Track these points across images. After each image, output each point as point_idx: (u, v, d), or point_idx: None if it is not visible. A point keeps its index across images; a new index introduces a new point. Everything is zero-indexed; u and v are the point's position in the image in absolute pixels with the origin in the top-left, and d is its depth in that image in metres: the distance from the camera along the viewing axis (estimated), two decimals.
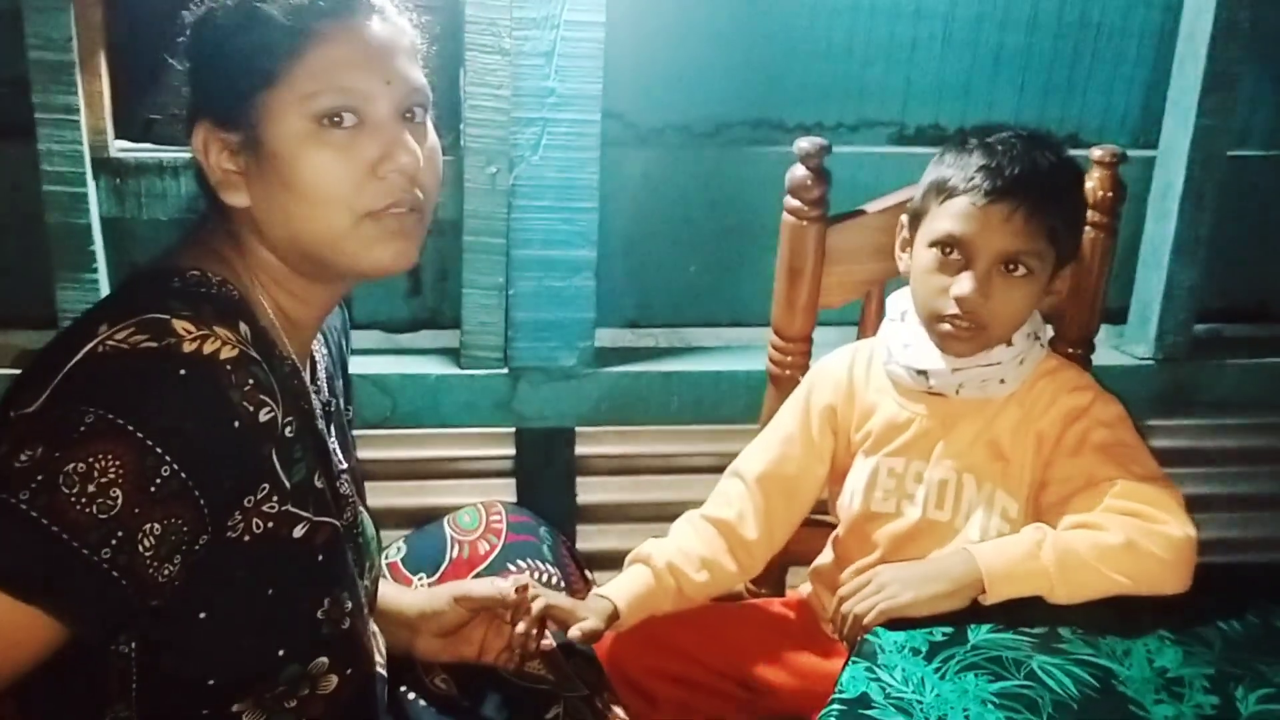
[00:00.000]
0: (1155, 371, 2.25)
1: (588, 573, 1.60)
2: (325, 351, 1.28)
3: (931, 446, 1.48)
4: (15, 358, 1.98)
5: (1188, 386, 2.27)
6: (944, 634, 1.22)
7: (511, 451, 2.16)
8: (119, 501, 0.95)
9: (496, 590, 1.38)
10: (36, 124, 1.83)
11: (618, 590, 1.46)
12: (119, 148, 1.94)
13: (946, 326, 1.40)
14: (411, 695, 1.36)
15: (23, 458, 0.95)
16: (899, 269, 1.51)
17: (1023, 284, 1.39)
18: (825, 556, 1.62)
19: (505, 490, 2.15)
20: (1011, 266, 1.38)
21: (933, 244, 1.41)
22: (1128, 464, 1.36)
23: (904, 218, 1.50)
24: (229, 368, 1.01)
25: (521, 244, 1.98)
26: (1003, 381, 1.44)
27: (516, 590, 1.37)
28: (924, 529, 1.48)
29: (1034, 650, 1.19)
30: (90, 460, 0.95)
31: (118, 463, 0.95)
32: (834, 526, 1.61)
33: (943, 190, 1.41)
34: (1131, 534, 1.28)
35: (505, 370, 2.05)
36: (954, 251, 1.39)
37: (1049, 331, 1.53)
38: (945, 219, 1.39)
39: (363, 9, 1.09)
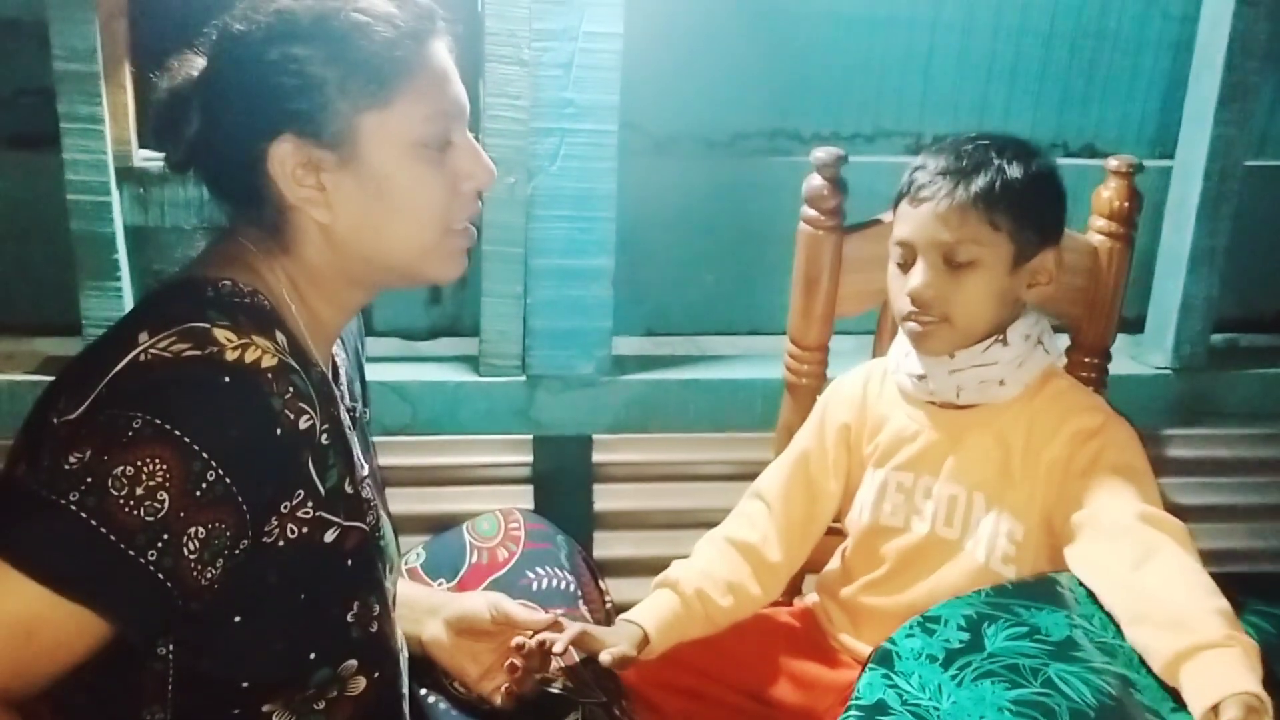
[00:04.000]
0: (1172, 381, 2.24)
1: (602, 583, 1.61)
2: (344, 356, 1.30)
3: (940, 461, 1.47)
4: (40, 364, 2.00)
5: (1205, 396, 2.26)
6: (961, 641, 1.22)
7: (529, 459, 2.17)
8: (165, 505, 0.97)
9: (534, 617, 1.36)
10: (62, 134, 1.85)
11: (647, 616, 1.45)
12: (143, 157, 1.96)
13: (912, 325, 1.42)
14: (432, 698, 1.37)
15: (71, 460, 0.97)
16: None
17: (971, 274, 1.39)
18: (833, 566, 1.63)
19: (523, 497, 2.16)
20: (955, 257, 1.39)
21: (891, 251, 1.45)
22: (1138, 488, 1.35)
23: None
24: (270, 376, 1.03)
25: (540, 253, 1.99)
26: (1002, 384, 1.43)
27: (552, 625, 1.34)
28: (932, 545, 1.48)
29: (1051, 658, 1.19)
30: (138, 464, 0.96)
31: (165, 467, 0.97)
32: (844, 535, 1.61)
33: (896, 200, 1.46)
34: (1194, 557, 1.25)
35: (523, 378, 2.06)
36: (904, 253, 1.43)
37: (1058, 343, 1.51)
38: (896, 225, 1.45)
39: (442, 29, 1.13)
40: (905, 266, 1.43)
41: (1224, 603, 1.18)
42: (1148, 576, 1.24)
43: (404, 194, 1.10)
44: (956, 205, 1.38)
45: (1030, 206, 1.42)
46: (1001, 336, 1.43)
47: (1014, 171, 1.40)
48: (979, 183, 1.38)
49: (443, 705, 1.37)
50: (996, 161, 1.40)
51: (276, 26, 1.08)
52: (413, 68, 1.09)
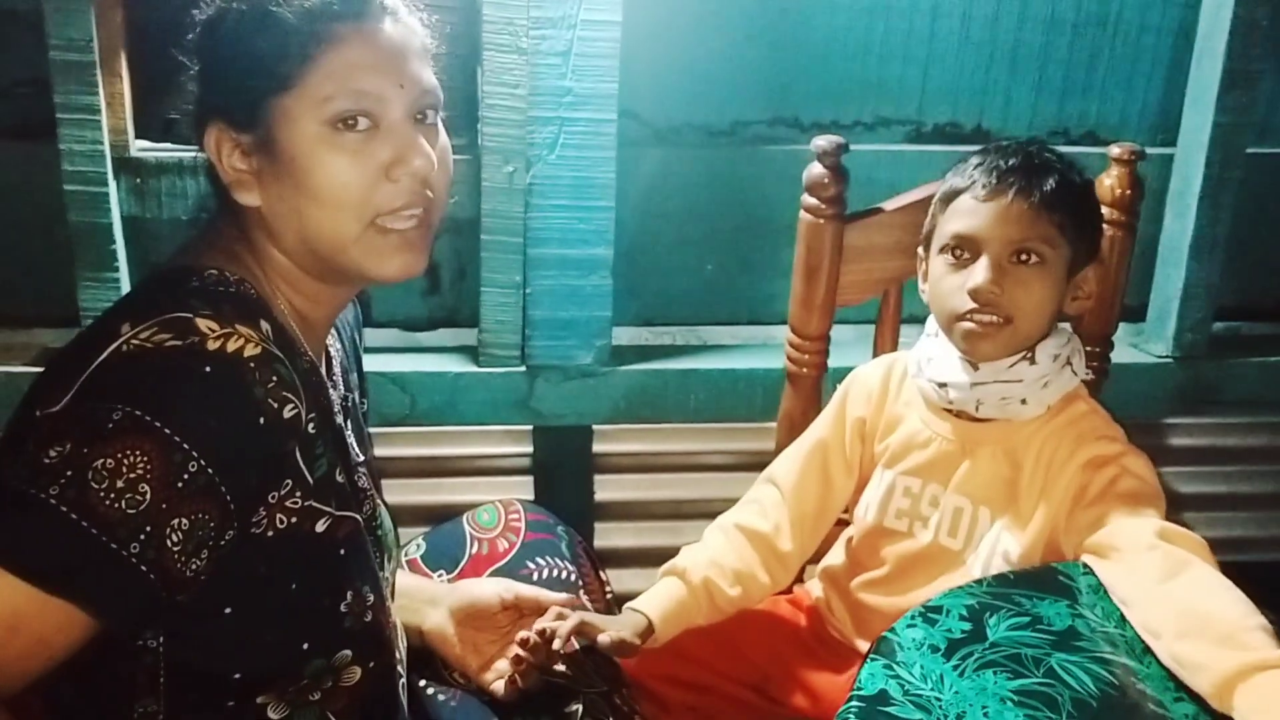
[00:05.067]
0: (1174, 369, 2.24)
1: (603, 573, 1.61)
2: (339, 346, 1.29)
3: (950, 472, 1.46)
4: (37, 355, 1.99)
5: (1206, 384, 2.26)
6: (963, 631, 1.22)
7: (529, 449, 2.16)
8: (147, 497, 0.97)
9: (545, 594, 1.38)
10: (58, 124, 1.84)
11: (652, 605, 1.44)
12: (139, 147, 1.95)
13: (969, 324, 1.38)
14: (431, 689, 1.37)
15: (51, 454, 0.96)
16: (924, 300, 1.50)
17: (1037, 273, 1.37)
18: (837, 556, 1.62)
19: (523, 488, 2.15)
20: (1023, 255, 1.37)
21: (943, 249, 1.41)
22: (1156, 511, 1.33)
23: (920, 250, 1.50)
24: (253, 365, 1.02)
25: (539, 243, 1.99)
26: (1024, 402, 1.41)
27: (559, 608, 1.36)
28: (934, 554, 1.47)
29: (1053, 648, 1.19)
30: (119, 456, 0.96)
31: (145, 459, 0.96)
32: (848, 523, 1.61)
33: (945, 199, 1.42)
34: (1211, 566, 1.24)
35: (523, 368, 2.05)
36: (963, 250, 1.39)
37: (1082, 360, 1.47)
38: (951, 222, 1.40)
39: (375, 11, 1.09)
40: (960, 264, 1.39)
41: (1263, 619, 1.16)
42: (1181, 590, 1.22)
43: (316, 178, 1.07)
44: (1029, 203, 1.36)
45: (1088, 216, 1.43)
46: (1029, 354, 1.40)
47: (1074, 178, 1.41)
48: (1050, 183, 1.37)
49: (442, 696, 1.36)
50: (1059, 166, 1.40)
51: (214, 15, 1.10)
52: (319, 49, 1.06)
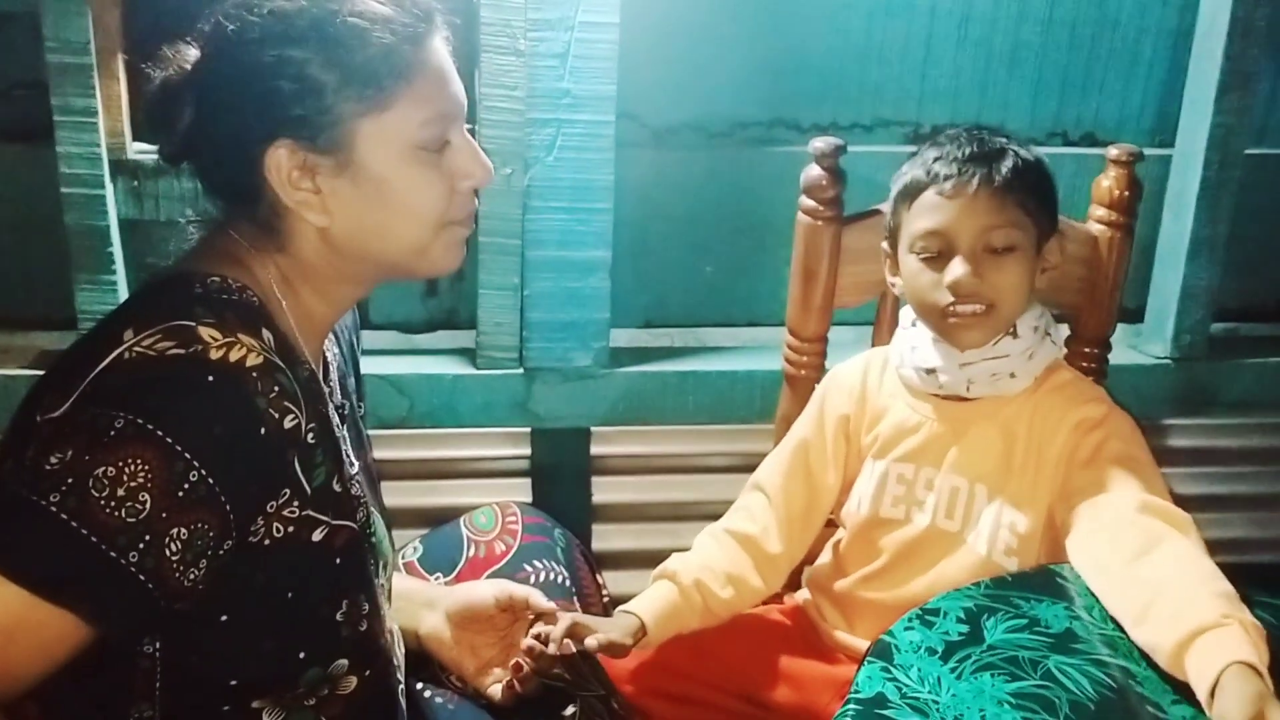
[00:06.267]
0: (1172, 371, 2.24)
1: (599, 576, 1.60)
2: (336, 350, 1.29)
3: (943, 453, 1.47)
4: (35, 359, 1.99)
5: (1205, 386, 2.26)
6: (960, 633, 1.22)
7: (527, 451, 2.16)
8: (147, 505, 0.96)
9: (539, 597, 1.38)
10: (55, 126, 1.84)
11: (644, 607, 1.44)
12: (137, 150, 1.95)
13: (953, 318, 1.40)
14: (428, 693, 1.37)
15: (52, 460, 0.96)
16: (894, 294, 1.52)
17: (1012, 258, 1.39)
18: (823, 561, 1.62)
19: (521, 490, 2.15)
20: (996, 243, 1.38)
21: (913, 247, 1.42)
22: (1141, 478, 1.35)
23: (884, 245, 1.51)
24: (255, 375, 1.02)
25: (537, 245, 1.98)
26: (1013, 376, 1.43)
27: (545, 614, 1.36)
28: (932, 537, 1.47)
29: (1050, 650, 1.19)
30: (120, 464, 0.96)
31: (146, 467, 0.96)
32: (836, 526, 1.61)
33: (907, 195, 1.43)
34: (1198, 545, 1.26)
35: (521, 370, 2.05)
36: (936, 245, 1.40)
37: (1062, 332, 1.52)
38: (918, 218, 1.41)
39: (442, 27, 1.12)
40: (935, 260, 1.40)
41: (1226, 586, 1.18)
42: (1147, 569, 1.23)
43: (402, 196, 1.10)
44: (993, 190, 1.38)
45: (1045, 190, 1.44)
46: (1011, 329, 1.43)
47: (1027, 156, 1.42)
48: (1006, 167, 1.39)
49: (439, 699, 1.36)
50: (1010, 147, 1.41)
51: (273, 27, 1.05)
52: (410, 72, 1.08)
